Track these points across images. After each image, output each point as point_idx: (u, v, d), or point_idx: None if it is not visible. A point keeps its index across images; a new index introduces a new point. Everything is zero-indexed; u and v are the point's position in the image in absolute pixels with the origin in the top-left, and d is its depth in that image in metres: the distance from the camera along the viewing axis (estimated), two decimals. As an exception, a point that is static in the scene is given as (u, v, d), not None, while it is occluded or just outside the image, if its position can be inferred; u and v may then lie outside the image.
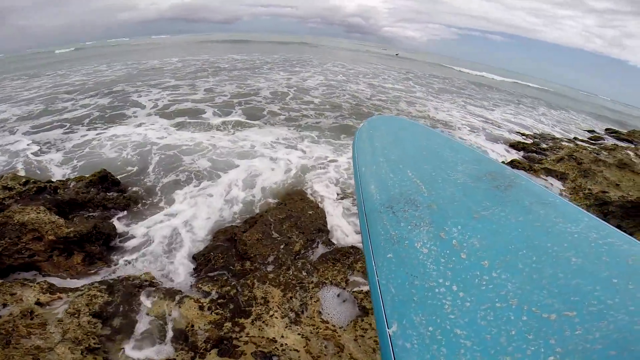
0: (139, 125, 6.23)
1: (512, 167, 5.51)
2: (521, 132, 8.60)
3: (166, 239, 3.32)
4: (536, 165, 5.43)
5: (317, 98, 8.32)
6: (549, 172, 5.41)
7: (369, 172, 1.19)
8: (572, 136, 10.12)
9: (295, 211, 3.56)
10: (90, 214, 3.41)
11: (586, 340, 0.55)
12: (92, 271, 2.84)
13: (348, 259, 2.87)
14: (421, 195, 0.99)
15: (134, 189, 4.02)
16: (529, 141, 7.47)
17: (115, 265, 3.00)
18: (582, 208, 0.86)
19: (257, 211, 3.77)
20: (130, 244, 3.23)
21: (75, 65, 17.13)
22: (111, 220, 3.41)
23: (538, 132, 8.95)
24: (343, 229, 3.47)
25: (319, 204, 3.82)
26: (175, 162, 4.83)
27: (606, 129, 13.42)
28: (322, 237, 3.23)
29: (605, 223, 0.81)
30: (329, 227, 3.45)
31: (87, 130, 6.12)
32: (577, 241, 0.74)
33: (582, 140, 9.43)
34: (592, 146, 8.26)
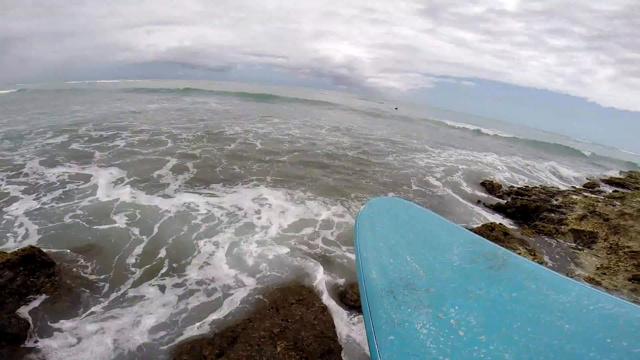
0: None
1: (535, 232, 4.84)
2: (522, 186, 8.22)
3: (103, 348, 2.33)
4: (562, 227, 4.82)
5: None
6: (577, 233, 4.78)
7: (370, 257, 1.20)
8: (569, 186, 9.87)
9: (292, 321, 2.66)
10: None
11: None
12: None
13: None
14: (419, 279, 1.04)
15: (72, 273, 3.03)
16: (536, 198, 6.93)
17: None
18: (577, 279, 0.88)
19: (237, 313, 2.82)
20: (50, 348, 2.22)
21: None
22: (24, 311, 2.46)
23: (537, 185, 8.61)
24: (359, 343, 2.56)
25: (323, 306, 2.93)
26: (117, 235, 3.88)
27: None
28: (334, 365, 2.30)
29: (595, 289, 0.86)
30: (340, 342, 2.53)
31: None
32: (568, 309, 0.78)
33: (583, 190, 9.12)
34: (597, 195, 7.89)
